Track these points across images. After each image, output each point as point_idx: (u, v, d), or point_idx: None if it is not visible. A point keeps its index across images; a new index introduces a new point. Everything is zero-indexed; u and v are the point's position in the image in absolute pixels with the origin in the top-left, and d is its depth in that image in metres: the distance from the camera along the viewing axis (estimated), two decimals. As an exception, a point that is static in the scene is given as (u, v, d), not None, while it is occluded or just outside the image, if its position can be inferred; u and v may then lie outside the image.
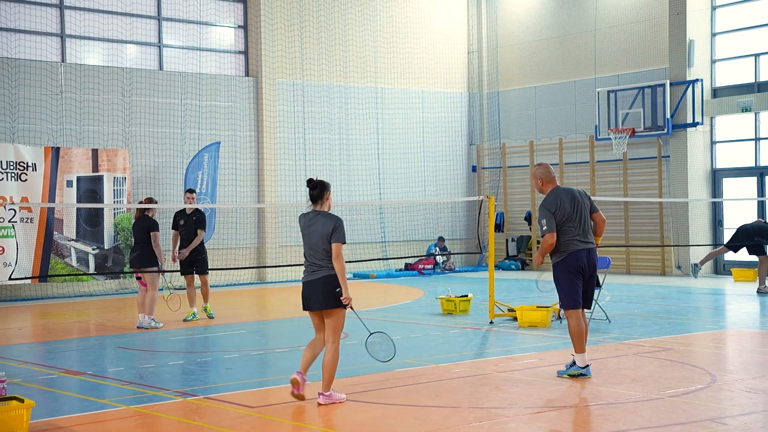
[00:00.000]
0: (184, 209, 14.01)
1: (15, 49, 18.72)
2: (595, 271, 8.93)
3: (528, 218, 24.04)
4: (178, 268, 14.00)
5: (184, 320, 13.65)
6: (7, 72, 18.32)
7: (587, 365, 8.72)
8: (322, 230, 7.55)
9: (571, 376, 8.69)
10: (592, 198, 9.18)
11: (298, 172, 22.34)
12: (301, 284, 7.84)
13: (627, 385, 8.33)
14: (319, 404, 7.63)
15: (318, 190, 7.66)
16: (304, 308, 7.81)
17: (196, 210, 14.02)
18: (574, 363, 8.77)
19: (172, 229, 14.09)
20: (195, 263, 13.91)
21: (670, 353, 10.06)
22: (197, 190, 19.65)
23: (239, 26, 21.98)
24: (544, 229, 8.76)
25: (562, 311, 12.87)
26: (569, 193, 8.87)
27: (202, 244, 13.97)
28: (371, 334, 8.05)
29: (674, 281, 19.65)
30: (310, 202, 7.75)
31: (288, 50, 22.28)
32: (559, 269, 8.81)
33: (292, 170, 22.27)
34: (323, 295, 7.57)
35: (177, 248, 13.88)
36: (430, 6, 24.81)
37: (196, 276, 14.03)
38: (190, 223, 13.85)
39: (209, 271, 14.40)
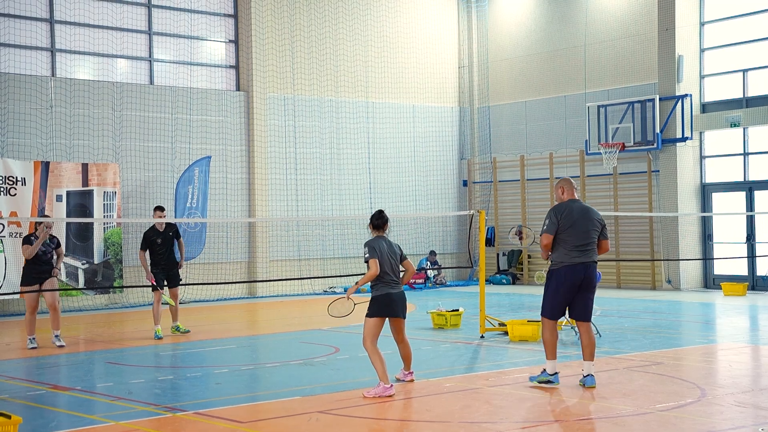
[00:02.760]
0: (154, 226, 13.67)
1: (4, 63, 18.68)
2: (592, 283, 9.00)
3: (519, 233, 24.02)
4: (150, 285, 13.53)
5: (156, 338, 13.28)
6: (-3, 86, 18.29)
7: (556, 373, 8.92)
8: (394, 251, 9.11)
9: (540, 382, 8.92)
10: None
11: (288, 186, 22.33)
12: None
13: (617, 399, 8.33)
14: (413, 380, 9.29)
15: (385, 219, 9.21)
16: (391, 315, 8.99)
17: (169, 224, 13.83)
18: (554, 372, 8.94)
19: (143, 249, 13.61)
20: (170, 277, 13.63)
21: (660, 367, 10.06)
22: (188, 205, 19.64)
23: (230, 41, 22.00)
24: (543, 228, 8.98)
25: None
26: (584, 209, 8.99)
27: (176, 256, 13.84)
28: None
29: (664, 295, 19.68)
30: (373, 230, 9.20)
31: (279, 65, 22.31)
32: (552, 278, 8.96)
33: (283, 185, 22.25)
34: (405, 305, 9.16)
35: (149, 267, 13.55)
36: (421, 21, 24.89)
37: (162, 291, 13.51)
38: (168, 238, 13.64)
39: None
